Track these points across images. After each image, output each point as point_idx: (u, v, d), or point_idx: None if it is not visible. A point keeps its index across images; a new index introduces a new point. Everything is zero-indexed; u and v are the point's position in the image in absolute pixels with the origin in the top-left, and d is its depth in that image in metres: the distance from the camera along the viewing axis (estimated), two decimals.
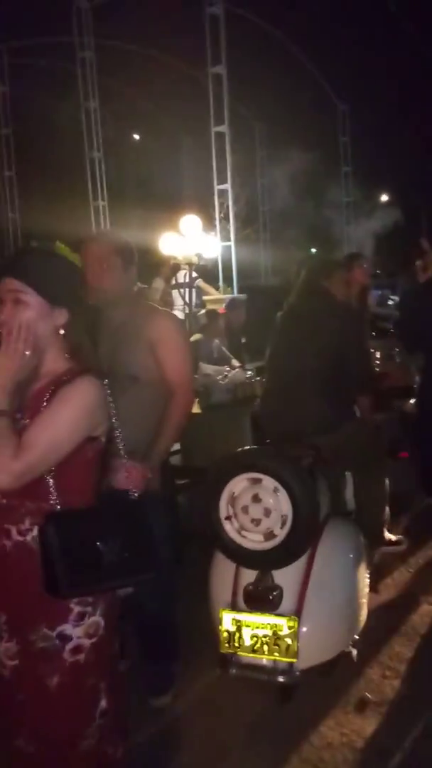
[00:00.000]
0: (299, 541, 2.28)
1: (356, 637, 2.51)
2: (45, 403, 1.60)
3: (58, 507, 1.59)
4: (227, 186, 10.62)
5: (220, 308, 7.46)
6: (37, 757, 1.63)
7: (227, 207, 10.63)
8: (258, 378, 4.74)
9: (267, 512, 2.28)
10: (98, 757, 1.67)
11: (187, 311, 8.85)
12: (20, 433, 1.57)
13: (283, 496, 2.26)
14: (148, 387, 2.38)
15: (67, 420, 1.58)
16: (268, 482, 2.28)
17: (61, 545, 1.53)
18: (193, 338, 6.26)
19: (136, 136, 21.11)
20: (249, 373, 4.94)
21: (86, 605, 1.62)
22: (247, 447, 2.58)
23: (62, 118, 16.47)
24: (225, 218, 10.63)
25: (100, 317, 2.45)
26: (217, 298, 9.17)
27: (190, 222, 8.11)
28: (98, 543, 1.58)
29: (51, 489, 1.59)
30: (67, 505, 1.60)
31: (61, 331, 1.65)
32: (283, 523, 2.27)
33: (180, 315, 9.35)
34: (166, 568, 2.68)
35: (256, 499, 2.30)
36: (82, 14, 12.42)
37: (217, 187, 10.73)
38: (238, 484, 2.34)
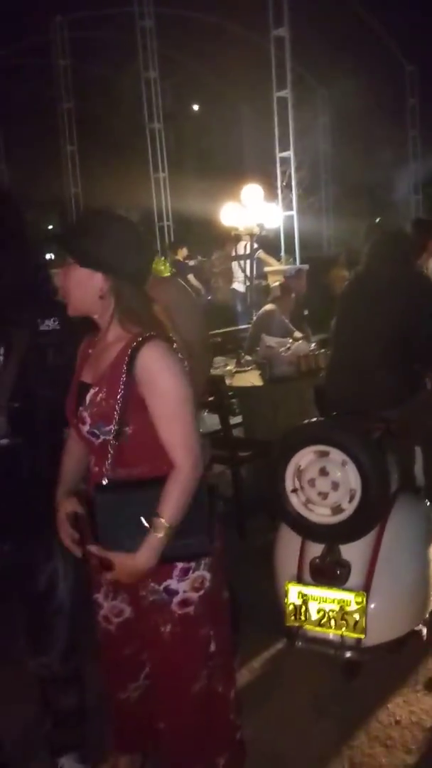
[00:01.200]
0: (368, 516, 2.21)
1: (427, 615, 2.44)
2: (124, 374, 1.61)
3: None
4: (290, 153, 10.38)
5: (282, 279, 7.33)
6: (154, 699, 1.81)
7: (289, 175, 10.40)
8: (322, 350, 4.64)
9: (335, 486, 2.23)
10: (210, 694, 1.82)
11: (248, 283, 8.77)
12: (99, 405, 1.63)
13: (351, 469, 2.20)
14: None
15: (178, 386, 1.63)
16: (336, 455, 2.22)
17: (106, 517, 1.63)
18: (264, 309, 6.17)
19: (196, 107, 20.87)
20: (312, 345, 4.84)
21: (189, 561, 1.71)
22: (314, 419, 2.52)
23: (122, 91, 16.44)
24: (287, 187, 10.42)
25: None
26: (278, 269, 9.02)
27: (252, 191, 7.97)
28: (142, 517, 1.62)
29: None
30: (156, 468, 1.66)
31: (100, 296, 1.66)
32: (352, 498, 2.21)
33: (241, 287, 9.29)
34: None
35: (323, 472, 2.24)
36: None
37: (279, 155, 10.50)
38: (305, 457, 2.29)
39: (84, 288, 1.66)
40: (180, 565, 1.70)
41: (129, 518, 1.62)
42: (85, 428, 1.67)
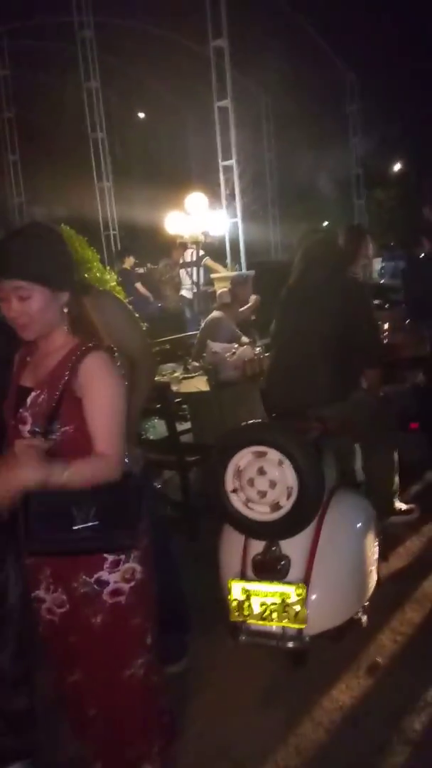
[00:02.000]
0: (305, 512, 2.32)
1: (366, 603, 2.55)
2: (66, 377, 1.71)
3: None
4: (232, 162, 10.52)
5: (228, 285, 7.45)
6: (89, 687, 1.88)
7: (233, 183, 10.55)
8: (266, 354, 4.76)
9: (272, 484, 2.32)
10: (145, 684, 1.89)
11: (195, 290, 8.86)
12: (40, 405, 1.70)
13: (287, 468, 2.30)
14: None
15: (114, 393, 1.73)
16: (273, 455, 2.32)
17: (38, 505, 1.67)
18: (211, 315, 6.26)
19: (141, 115, 20.92)
20: (258, 349, 4.95)
21: (119, 553, 1.79)
22: (252, 421, 2.61)
23: (65, 100, 16.33)
24: (231, 195, 10.56)
25: None
26: (224, 275, 9.13)
27: (196, 200, 8.08)
28: (72, 508, 1.69)
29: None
30: None
31: (65, 310, 1.76)
32: (289, 495, 2.31)
33: (189, 294, 9.37)
34: (171, 543, 2.76)
35: (261, 471, 2.34)
36: None
37: (222, 164, 10.64)
38: (244, 458, 2.37)
39: (52, 309, 1.73)
40: (110, 557, 1.78)
41: (61, 512, 1.69)
42: (26, 428, 1.74)
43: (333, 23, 15.18)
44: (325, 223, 16.31)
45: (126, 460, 1.87)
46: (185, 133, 18.47)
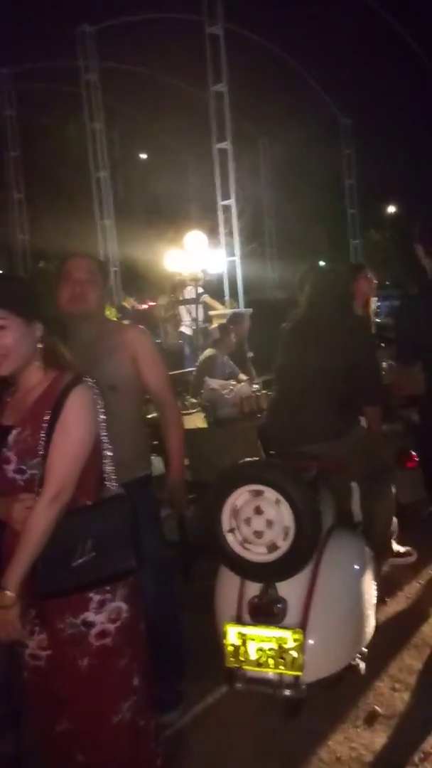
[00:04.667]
0: (302, 553, 2.26)
1: (364, 649, 2.48)
2: (49, 411, 1.69)
3: None
4: (231, 202, 10.70)
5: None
6: (76, 733, 1.81)
7: (231, 222, 10.71)
8: (264, 392, 4.74)
9: (269, 524, 2.27)
10: (133, 728, 1.84)
11: (194, 327, 8.90)
12: (24, 442, 1.68)
13: (285, 507, 2.25)
14: (126, 395, 2.46)
15: (77, 428, 1.71)
16: (270, 494, 2.28)
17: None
18: (205, 354, 6.28)
19: (143, 156, 21.36)
20: (255, 386, 4.94)
21: (105, 593, 1.76)
22: (248, 459, 2.58)
23: (69, 140, 16.72)
24: (229, 233, 10.71)
25: (71, 330, 2.48)
26: (222, 312, 9.19)
27: (195, 238, 8.18)
28: (69, 546, 1.68)
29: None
30: (74, 501, 1.72)
31: (39, 345, 1.76)
32: (286, 535, 2.26)
33: (188, 331, 9.41)
34: (174, 586, 2.70)
35: (258, 511, 2.29)
36: (86, 38, 12.64)
37: (220, 203, 10.82)
38: (240, 497, 2.33)
39: (27, 341, 1.73)
40: (96, 597, 1.74)
41: (58, 552, 1.68)
42: (11, 467, 1.72)
43: (329, 69, 15.65)
44: (321, 263, 16.52)
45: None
46: (185, 173, 18.86)
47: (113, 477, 1.83)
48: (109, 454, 1.83)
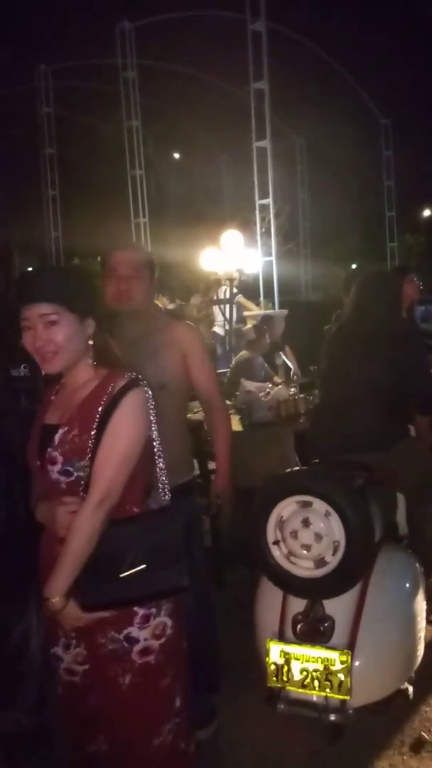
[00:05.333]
0: (352, 569, 2.13)
1: (413, 673, 2.34)
2: (98, 415, 1.60)
3: None
4: (269, 201, 10.57)
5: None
6: (115, 755, 1.72)
7: (269, 222, 10.58)
8: (302, 395, 4.61)
9: (318, 537, 2.15)
10: (173, 752, 1.74)
11: (227, 327, 8.79)
12: (71, 442, 1.60)
13: (335, 520, 2.13)
14: (175, 395, 2.38)
15: (129, 430, 1.63)
16: (319, 506, 2.15)
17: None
18: (240, 355, 6.17)
19: (176, 155, 21.33)
20: (292, 390, 4.81)
21: (150, 607, 1.65)
22: (297, 468, 2.46)
23: (104, 138, 16.74)
24: (266, 233, 10.58)
25: (119, 326, 2.40)
26: (257, 313, 9.07)
27: (232, 237, 8.07)
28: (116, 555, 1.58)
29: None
30: (121, 507, 1.63)
31: (90, 342, 1.68)
32: (335, 550, 2.13)
33: (220, 331, 9.30)
34: (210, 595, 2.59)
35: (306, 523, 2.17)
36: (125, 35, 12.61)
37: (258, 202, 10.70)
38: (287, 508, 2.21)
39: (78, 338, 1.66)
40: (141, 611, 1.64)
41: (104, 562, 1.58)
42: (56, 468, 1.63)
43: (370, 69, 15.42)
44: (353, 266, 16.30)
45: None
46: (219, 172, 18.77)
47: (166, 483, 1.73)
48: (160, 461, 1.72)
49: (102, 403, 1.62)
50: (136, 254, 2.45)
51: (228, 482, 2.55)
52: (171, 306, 10.86)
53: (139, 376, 1.69)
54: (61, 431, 1.64)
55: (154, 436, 1.70)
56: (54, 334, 1.62)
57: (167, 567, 1.59)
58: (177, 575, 1.61)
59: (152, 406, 1.69)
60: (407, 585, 2.38)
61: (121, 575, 1.55)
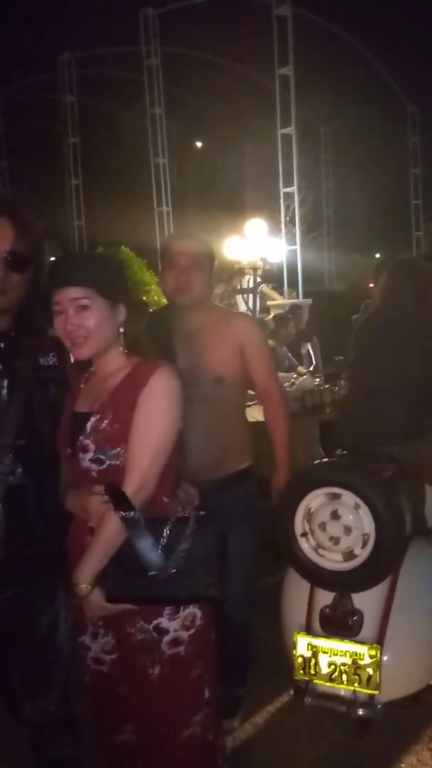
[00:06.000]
0: (383, 563, 2.09)
1: None
2: (131, 402, 1.59)
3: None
4: (293, 189, 10.47)
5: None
6: (141, 745, 1.71)
7: (293, 210, 10.48)
8: (327, 385, 4.56)
9: (347, 530, 2.11)
10: (202, 744, 1.72)
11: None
12: (104, 431, 1.59)
13: (365, 513, 2.09)
14: (233, 387, 2.36)
15: (164, 417, 1.60)
16: (349, 498, 2.11)
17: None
18: None
19: (199, 143, 21.22)
20: (317, 380, 4.76)
21: (192, 603, 1.64)
22: (325, 459, 2.42)
23: (127, 126, 16.71)
24: (291, 222, 10.48)
25: (177, 319, 2.39)
26: (280, 303, 9.01)
27: (256, 226, 8.00)
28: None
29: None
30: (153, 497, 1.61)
31: (122, 329, 1.66)
32: (365, 543, 2.09)
33: None
34: (254, 584, 2.57)
35: (335, 515, 2.13)
36: (149, 21, 12.53)
37: (282, 190, 10.61)
38: (316, 499, 2.17)
39: (110, 324, 1.64)
40: None
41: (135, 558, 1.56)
42: (88, 456, 1.61)
43: (396, 54, 15.15)
44: (377, 255, 16.09)
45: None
46: (242, 160, 18.65)
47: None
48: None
49: (135, 391, 1.60)
50: (195, 245, 2.39)
51: (287, 477, 2.51)
52: None
53: (171, 364, 1.67)
54: (93, 419, 1.62)
55: (181, 424, 1.68)
56: (85, 319, 1.60)
57: (198, 576, 1.56)
58: (206, 586, 1.59)
59: (184, 394, 1.66)
60: None
61: (150, 573, 1.53)
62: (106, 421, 1.61)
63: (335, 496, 2.14)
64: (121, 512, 1.52)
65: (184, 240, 2.46)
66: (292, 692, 2.21)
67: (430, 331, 2.82)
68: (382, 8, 15.74)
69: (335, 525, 2.13)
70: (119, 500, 1.53)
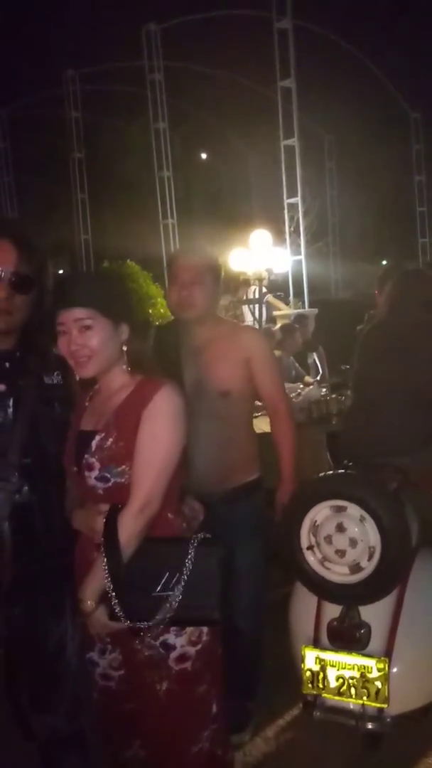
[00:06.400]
0: (389, 576, 2.09)
1: None
2: (135, 421, 1.61)
3: None
4: (297, 199, 10.52)
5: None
6: (150, 761, 1.73)
7: (297, 220, 10.52)
8: (334, 395, 4.56)
9: (353, 543, 2.11)
10: (211, 759, 1.73)
11: (257, 327, 8.77)
12: (109, 449, 1.61)
13: (370, 525, 2.09)
14: (240, 401, 2.37)
15: (168, 435, 1.62)
16: (354, 510, 2.11)
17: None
18: None
19: (204, 155, 21.34)
20: (324, 390, 4.76)
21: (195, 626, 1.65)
22: (330, 472, 2.42)
23: (132, 140, 16.84)
24: (295, 232, 10.52)
25: (183, 333, 2.40)
26: (287, 313, 9.03)
27: (260, 237, 8.04)
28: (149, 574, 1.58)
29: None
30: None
31: (125, 348, 1.68)
32: (371, 556, 2.09)
33: None
34: (264, 597, 2.57)
35: (340, 528, 2.13)
36: (151, 37, 12.67)
37: (287, 201, 10.66)
38: (321, 512, 2.18)
39: (113, 343, 1.66)
40: None
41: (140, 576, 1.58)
42: (93, 474, 1.63)
43: (397, 62, 15.22)
44: (384, 262, 16.07)
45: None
46: (247, 172, 18.74)
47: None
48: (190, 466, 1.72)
49: (139, 409, 1.61)
50: (198, 260, 2.40)
51: (293, 490, 2.51)
52: None
53: (174, 381, 1.68)
54: (98, 437, 1.64)
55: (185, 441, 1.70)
56: (88, 339, 1.62)
57: (200, 599, 1.57)
58: (208, 609, 1.59)
59: (187, 411, 1.68)
60: None
61: (153, 594, 1.54)
62: (110, 440, 1.63)
63: (341, 509, 2.15)
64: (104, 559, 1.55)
65: (186, 255, 2.48)
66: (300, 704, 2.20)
67: None
68: (383, 17, 15.85)
69: (341, 538, 2.13)
70: (108, 544, 1.56)
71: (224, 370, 2.32)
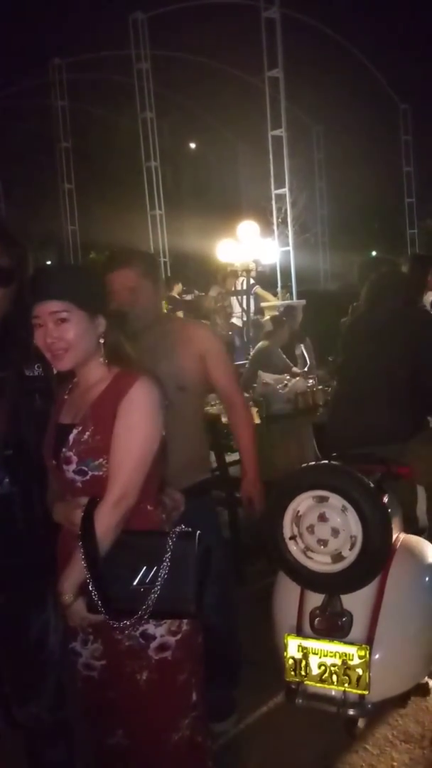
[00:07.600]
0: (370, 564, 2.12)
1: None
2: (111, 413, 1.61)
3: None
4: (285, 190, 10.49)
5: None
6: (133, 749, 1.73)
7: (285, 211, 10.51)
8: (320, 387, 4.58)
9: (335, 532, 2.13)
10: (191, 746, 1.75)
11: (245, 318, 8.77)
12: (86, 443, 1.61)
13: (351, 515, 2.11)
14: (193, 395, 2.38)
15: (145, 427, 1.62)
16: (336, 500, 2.13)
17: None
18: (258, 346, 6.15)
19: (192, 145, 21.25)
20: (310, 381, 4.78)
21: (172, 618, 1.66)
22: (313, 462, 2.44)
23: (119, 130, 16.74)
24: (283, 223, 10.51)
25: (134, 334, 2.38)
26: (274, 304, 9.03)
27: (248, 228, 8.02)
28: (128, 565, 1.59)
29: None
30: (136, 504, 1.63)
31: (101, 340, 1.68)
32: (353, 545, 2.11)
33: (238, 322, 9.28)
34: (233, 592, 2.59)
35: (322, 518, 2.15)
36: (138, 25, 12.55)
37: (274, 192, 10.63)
38: (303, 502, 2.19)
39: (89, 335, 1.65)
40: None
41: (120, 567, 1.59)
42: (71, 467, 1.64)
43: (387, 52, 15.20)
44: (373, 253, 16.10)
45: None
46: (236, 162, 18.69)
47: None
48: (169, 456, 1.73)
49: (115, 402, 1.62)
50: (129, 271, 2.33)
51: (256, 478, 2.52)
52: (188, 297, 10.86)
53: (151, 373, 1.69)
54: (75, 431, 1.65)
55: (164, 432, 1.70)
56: (64, 332, 1.62)
57: (177, 591, 1.58)
58: (185, 603, 1.60)
59: (165, 403, 1.68)
60: (426, 579, 2.35)
61: (130, 587, 1.55)
62: (87, 433, 1.63)
63: (323, 499, 2.17)
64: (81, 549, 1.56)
65: (118, 270, 2.33)
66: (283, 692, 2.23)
67: (415, 326, 2.86)
68: (372, 7, 15.81)
69: (323, 527, 2.15)
70: (86, 537, 1.56)
71: (177, 365, 2.31)
